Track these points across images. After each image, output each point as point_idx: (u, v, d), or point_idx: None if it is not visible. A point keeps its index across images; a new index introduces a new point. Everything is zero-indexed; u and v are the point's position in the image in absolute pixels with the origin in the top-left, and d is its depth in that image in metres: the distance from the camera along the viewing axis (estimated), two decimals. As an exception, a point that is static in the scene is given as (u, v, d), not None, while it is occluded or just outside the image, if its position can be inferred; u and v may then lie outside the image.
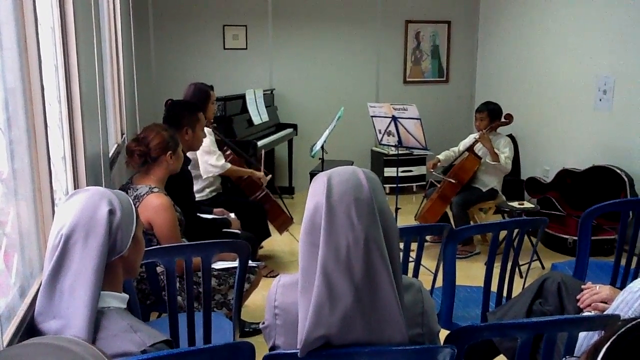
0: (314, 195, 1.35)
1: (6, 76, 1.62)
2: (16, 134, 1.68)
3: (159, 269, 2.55)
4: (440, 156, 4.81)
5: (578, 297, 2.04)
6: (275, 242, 4.60)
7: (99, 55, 2.91)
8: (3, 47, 1.61)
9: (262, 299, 3.40)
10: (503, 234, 3.41)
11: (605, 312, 1.86)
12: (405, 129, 4.53)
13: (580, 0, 5.05)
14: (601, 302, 1.95)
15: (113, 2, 3.97)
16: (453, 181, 4.50)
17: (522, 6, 5.90)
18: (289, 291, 1.40)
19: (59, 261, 1.33)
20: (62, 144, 2.22)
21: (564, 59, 5.30)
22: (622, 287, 2.30)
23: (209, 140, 3.73)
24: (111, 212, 1.36)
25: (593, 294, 1.99)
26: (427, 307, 1.42)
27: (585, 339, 1.68)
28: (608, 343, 0.73)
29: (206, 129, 3.60)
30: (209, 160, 3.80)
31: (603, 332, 1.51)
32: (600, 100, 4.81)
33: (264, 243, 4.29)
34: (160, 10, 6.04)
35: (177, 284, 2.37)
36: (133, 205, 1.46)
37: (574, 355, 1.56)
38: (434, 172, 4.77)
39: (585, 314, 1.97)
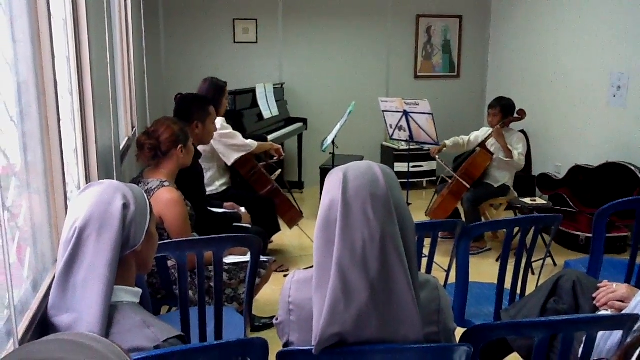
0: (330, 190, 1.33)
1: (19, 69, 1.61)
2: (29, 127, 1.67)
3: (170, 263, 2.55)
4: (448, 142, 4.74)
5: (594, 295, 2.01)
6: (284, 237, 4.60)
7: (110, 49, 2.90)
8: (16, 40, 1.60)
9: (272, 294, 3.42)
10: (515, 230, 3.38)
11: (623, 312, 1.83)
12: (416, 123, 4.51)
13: (594, -6, 5.00)
14: (618, 300, 1.92)
15: (124, -5, 3.96)
16: (466, 184, 4.45)
17: (534, 1, 5.84)
18: (303, 287, 1.39)
19: (73, 254, 1.32)
20: (74, 137, 2.21)
21: (577, 54, 5.24)
22: (638, 286, 2.28)
23: (223, 127, 3.80)
24: (125, 206, 1.35)
25: (609, 292, 1.96)
26: (443, 305, 1.40)
27: (602, 338, 1.65)
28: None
29: (218, 119, 3.64)
30: (235, 142, 3.87)
31: (622, 331, 1.49)
32: (614, 96, 4.75)
33: (273, 237, 4.28)
34: (171, 3, 6.03)
35: (189, 279, 2.36)
36: (147, 200, 1.45)
37: (592, 355, 1.53)
38: (443, 164, 4.72)
39: (602, 312, 1.94)
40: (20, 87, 1.62)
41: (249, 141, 3.98)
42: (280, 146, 4.39)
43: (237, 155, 3.89)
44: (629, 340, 1.33)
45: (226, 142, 3.84)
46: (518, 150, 4.49)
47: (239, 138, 3.92)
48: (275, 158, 4.33)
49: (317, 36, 6.38)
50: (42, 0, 1.72)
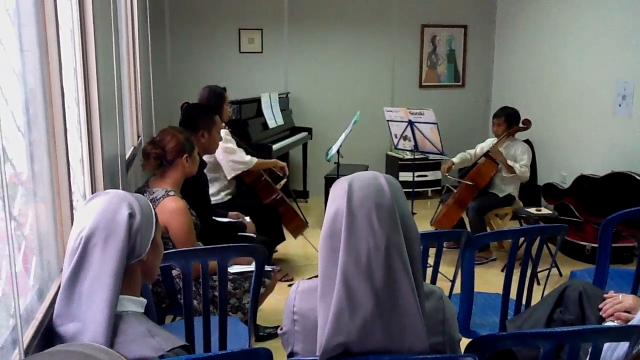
0: (335, 200, 1.33)
1: (27, 78, 1.63)
2: (36, 136, 1.68)
3: (175, 273, 2.55)
4: (455, 159, 4.77)
5: (600, 306, 2.00)
6: (289, 246, 4.59)
7: (116, 58, 2.92)
8: (24, 49, 1.61)
9: (277, 303, 3.42)
10: (520, 240, 3.37)
11: (629, 323, 1.82)
12: (421, 133, 4.51)
13: (599, 3, 5.00)
14: (624, 311, 1.91)
15: (131, 5, 3.99)
16: (470, 183, 4.46)
17: (540, 10, 5.85)
18: (308, 297, 1.38)
19: (78, 264, 1.32)
20: (80, 147, 2.22)
21: (582, 63, 5.24)
22: (644, 296, 2.25)
23: (226, 140, 3.79)
24: (131, 216, 1.36)
25: (616, 303, 1.94)
26: (448, 315, 1.39)
27: (608, 349, 1.64)
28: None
29: (222, 131, 3.63)
30: (234, 158, 3.86)
31: (628, 343, 1.48)
32: (620, 105, 4.75)
33: (278, 247, 4.28)
34: (177, 13, 6.08)
35: (193, 288, 2.36)
36: (153, 209, 1.46)
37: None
38: (448, 176, 4.73)
39: (608, 323, 1.93)
40: (28, 97, 1.63)
41: (248, 158, 3.94)
42: (285, 164, 4.33)
43: (234, 173, 3.88)
44: (635, 351, 1.33)
45: (226, 157, 3.84)
46: (522, 162, 4.47)
47: (238, 154, 3.89)
48: (280, 175, 4.31)
49: (322, 46, 6.41)
50: (50, 10, 1.73)
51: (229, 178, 3.89)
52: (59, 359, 0.67)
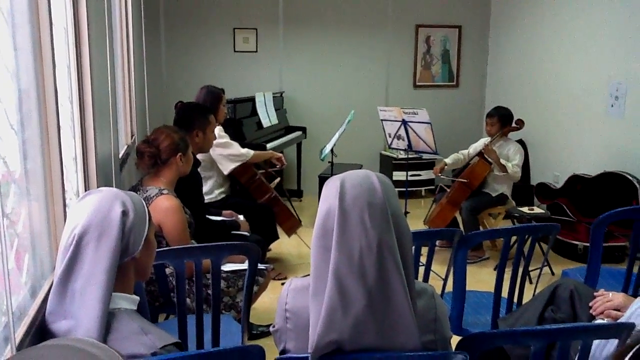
0: (327, 198, 1.34)
1: (20, 77, 1.63)
2: (29, 135, 1.68)
3: (168, 271, 2.55)
4: (448, 160, 4.78)
5: (590, 304, 2.01)
6: (283, 245, 4.60)
7: (110, 57, 2.92)
8: (18, 48, 1.61)
9: (270, 302, 3.42)
10: (513, 239, 3.39)
11: (618, 320, 1.84)
12: (415, 133, 4.52)
13: (592, 5, 5.03)
14: (614, 309, 1.93)
15: (125, 4, 3.99)
16: (464, 180, 4.48)
17: (534, 11, 5.88)
18: (300, 295, 1.39)
19: (71, 261, 1.32)
20: (74, 145, 2.22)
21: (575, 64, 5.27)
22: (635, 295, 2.28)
23: (220, 136, 3.81)
24: (124, 214, 1.36)
25: (606, 301, 1.96)
26: (439, 314, 1.40)
27: (598, 347, 1.66)
28: (631, 353, 0.71)
29: (216, 128, 3.64)
30: (231, 151, 3.88)
31: (618, 340, 1.49)
32: (612, 106, 4.78)
33: (271, 246, 4.29)
34: (171, 12, 6.07)
35: (186, 286, 2.37)
36: (146, 207, 1.46)
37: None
38: (441, 176, 4.75)
39: (598, 321, 1.95)
40: (21, 95, 1.63)
41: (245, 150, 3.98)
42: (281, 154, 4.40)
43: (233, 165, 3.90)
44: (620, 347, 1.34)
45: (222, 152, 3.85)
46: (514, 162, 4.49)
47: (234, 147, 3.92)
48: (277, 166, 4.34)
49: (317, 46, 6.41)
50: (44, 8, 1.74)
51: (226, 173, 3.91)
52: (51, 352, 0.67)
